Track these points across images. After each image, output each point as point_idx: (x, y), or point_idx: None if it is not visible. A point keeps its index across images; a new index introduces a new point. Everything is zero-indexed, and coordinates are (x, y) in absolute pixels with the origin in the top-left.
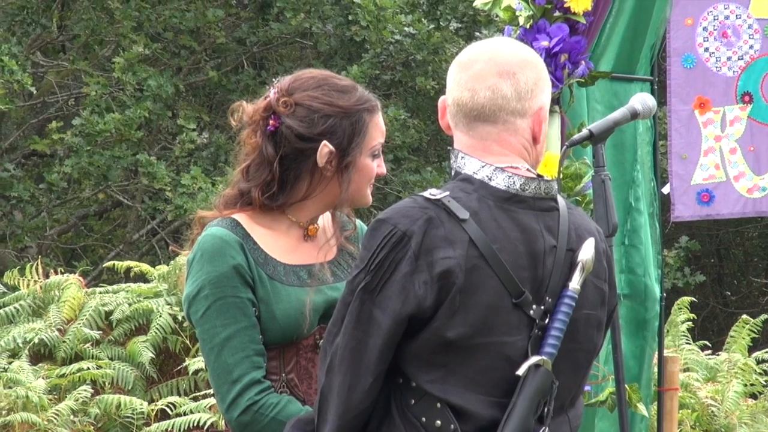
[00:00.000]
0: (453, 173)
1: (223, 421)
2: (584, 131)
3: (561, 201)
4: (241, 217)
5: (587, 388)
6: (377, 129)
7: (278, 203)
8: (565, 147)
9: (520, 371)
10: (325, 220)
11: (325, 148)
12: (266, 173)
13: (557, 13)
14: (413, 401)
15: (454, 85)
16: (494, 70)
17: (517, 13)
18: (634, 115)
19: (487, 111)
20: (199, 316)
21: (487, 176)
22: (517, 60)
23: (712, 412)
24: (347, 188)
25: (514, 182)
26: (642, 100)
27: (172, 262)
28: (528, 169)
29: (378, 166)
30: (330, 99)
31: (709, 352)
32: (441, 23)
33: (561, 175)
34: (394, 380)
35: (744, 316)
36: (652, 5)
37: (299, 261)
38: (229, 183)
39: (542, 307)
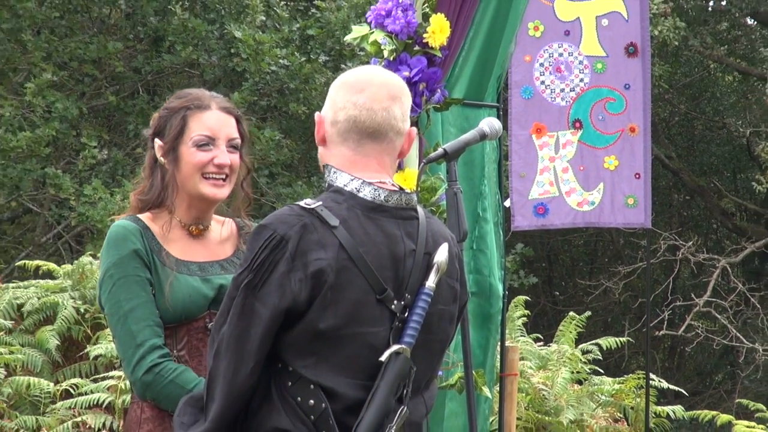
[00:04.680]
0: (327, 185)
1: (120, 400)
2: (439, 150)
3: (420, 210)
4: (143, 216)
5: (439, 373)
6: (200, 123)
7: (159, 204)
8: (422, 164)
9: (383, 358)
10: (225, 225)
11: (157, 143)
12: (146, 180)
13: (417, 48)
14: (290, 383)
15: (350, 105)
16: (387, 93)
17: (383, 47)
18: (483, 137)
19: (381, 129)
20: (107, 294)
21: (356, 188)
22: (400, 86)
23: (544, 395)
24: (179, 175)
25: (379, 194)
26: (490, 123)
27: (75, 262)
28: (392, 184)
29: (215, 157)
30: (168, 104)
31: (541, 343)
32: (311, 56)
33: (419, 188)
34: (273, 365)
35: (571, 313)
36: (499, 42)
37: (190, 258)
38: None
39: (402, 303)
